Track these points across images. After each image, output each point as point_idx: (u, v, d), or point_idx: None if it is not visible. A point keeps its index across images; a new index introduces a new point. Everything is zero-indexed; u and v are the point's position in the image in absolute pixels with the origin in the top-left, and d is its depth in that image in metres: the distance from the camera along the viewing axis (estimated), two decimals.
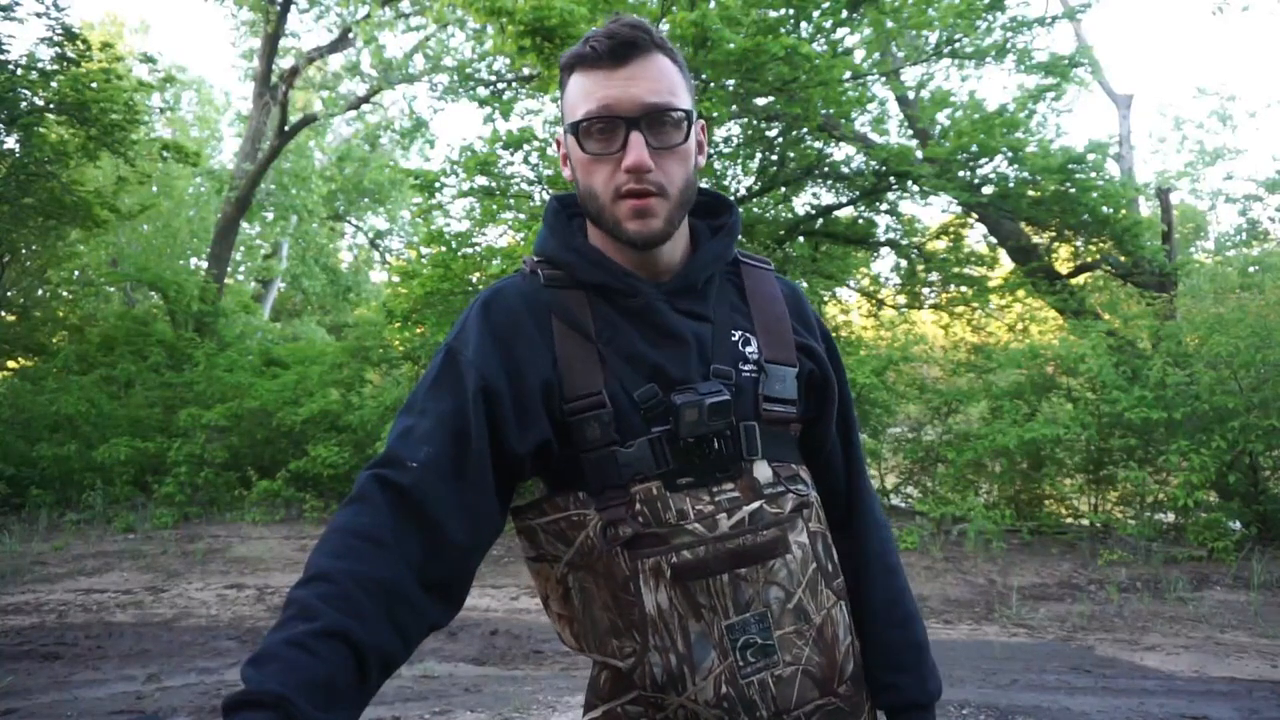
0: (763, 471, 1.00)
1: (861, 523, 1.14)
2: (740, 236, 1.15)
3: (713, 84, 7.88)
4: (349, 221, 22.71)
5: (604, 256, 1.03)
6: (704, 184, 1.14)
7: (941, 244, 10.68)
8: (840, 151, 10.09)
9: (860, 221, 10.70)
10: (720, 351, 1.02)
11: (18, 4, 8.72)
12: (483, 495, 0.92)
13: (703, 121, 1.05)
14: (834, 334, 1.20)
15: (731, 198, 1.22)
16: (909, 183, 9.27)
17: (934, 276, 10.78)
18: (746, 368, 1.03)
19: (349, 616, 0.78)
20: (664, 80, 0.99)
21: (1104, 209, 8.63)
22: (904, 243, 10.88)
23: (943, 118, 9.31)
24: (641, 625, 0.95)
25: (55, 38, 9.15)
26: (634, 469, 0.96)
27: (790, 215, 10.60)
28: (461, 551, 0.89)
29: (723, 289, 1.09)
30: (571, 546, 0.99)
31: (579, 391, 0.97)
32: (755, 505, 0.98)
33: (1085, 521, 7.66)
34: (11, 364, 12.39)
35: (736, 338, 1.05)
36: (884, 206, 10.62)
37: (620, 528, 0.95)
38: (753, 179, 10.28)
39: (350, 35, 13.97)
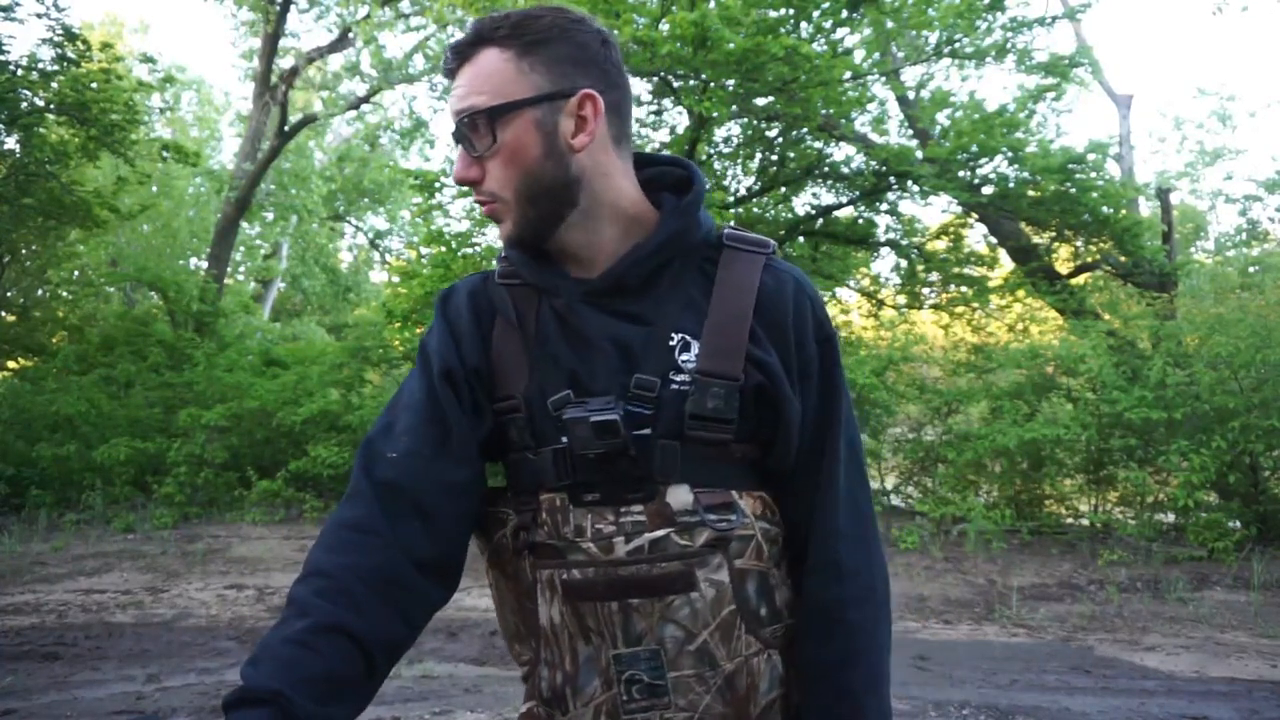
0: (680, 496, 0.89)
1: (819, 569, 0.94)
2: None
3: (713, 84, 7.88)
4: (349, 221, 22.71)
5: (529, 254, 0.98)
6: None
7: (941, 244, 10.69)
8: (840, 151, 10.10)
9: (860, 221, 10.70)
10: (650, 358, 0.91)
11: (18, 4, 8.72)
12: (464, 470, 0.92)
13: (585, 94, 0.90)
14: None
15: (699, 168, 1.03)
16: (909, 183, 9.27)
17: (934, 276, 10.79)
18: (678, 378, 0.90)
19: (345, 609, 0.80)
20: (475, 82, 0.89)
21: (1104, 209, 8.63)
22: (904, 243, 10.89)
23: (943, 118, 9.31)
24: (537, 636, 0.95)
25: (55, 38, 9.15)
26: (539, 478, 0.93)
27: (790, 215, 10.60)
28: (452, 530, 0.91)
29: (684, 280, 0.96)
30: (490, 542, 0.99)
31: (502, 392, 0.96)
32: (660, 534, 0.88)
33: (1085, 521, 7.66)
34: (11, 364, 12.39)
35: (675, 342, 0.92)
36: (884, 206, 10.63)
37: (526, 534, 0.93)
38: (753, 179, 10.29)
39: (350, 35, 13.96)
